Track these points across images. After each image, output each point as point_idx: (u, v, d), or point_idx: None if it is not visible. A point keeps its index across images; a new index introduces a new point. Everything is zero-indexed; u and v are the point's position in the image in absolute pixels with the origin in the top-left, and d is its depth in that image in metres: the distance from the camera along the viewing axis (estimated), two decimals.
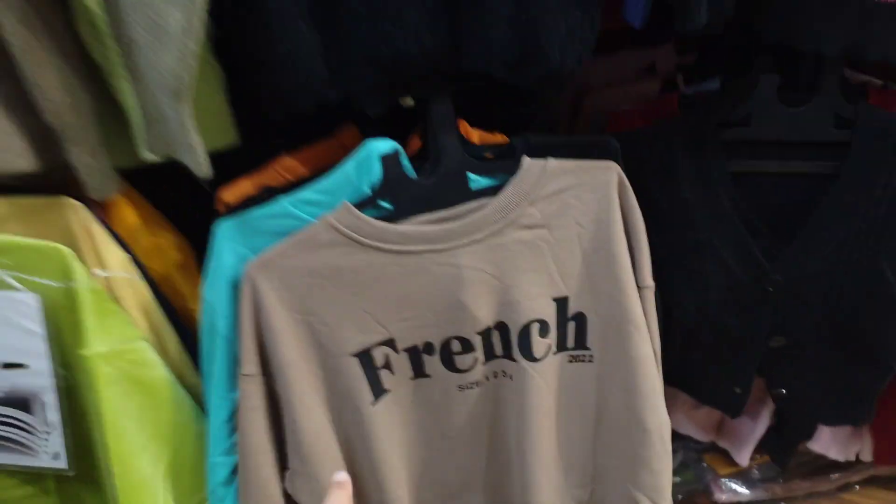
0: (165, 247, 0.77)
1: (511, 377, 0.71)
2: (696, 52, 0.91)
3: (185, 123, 0.56)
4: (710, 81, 0.84)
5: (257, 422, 0.64)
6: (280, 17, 0.56)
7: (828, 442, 1.00)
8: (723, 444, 1.08)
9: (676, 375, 0.93)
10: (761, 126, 0.76)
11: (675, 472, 1.17)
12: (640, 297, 0.71)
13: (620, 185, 0.68)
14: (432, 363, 0.68)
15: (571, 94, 0.89)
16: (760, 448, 1.05)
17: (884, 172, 0.74)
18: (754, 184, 0.80)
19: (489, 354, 0.70)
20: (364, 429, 0.66)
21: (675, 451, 1.15)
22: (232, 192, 0.69)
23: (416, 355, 0.67)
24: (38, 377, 0.65)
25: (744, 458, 1.05)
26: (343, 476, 0.52)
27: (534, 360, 0.70)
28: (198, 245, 0.74)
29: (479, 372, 0.71)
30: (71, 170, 0.60)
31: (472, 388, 0.71)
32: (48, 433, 0.67)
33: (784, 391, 0.90)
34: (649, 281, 0.72)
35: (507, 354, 0.70)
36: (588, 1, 0.59)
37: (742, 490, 1.13)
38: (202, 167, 0.59)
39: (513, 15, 0.59)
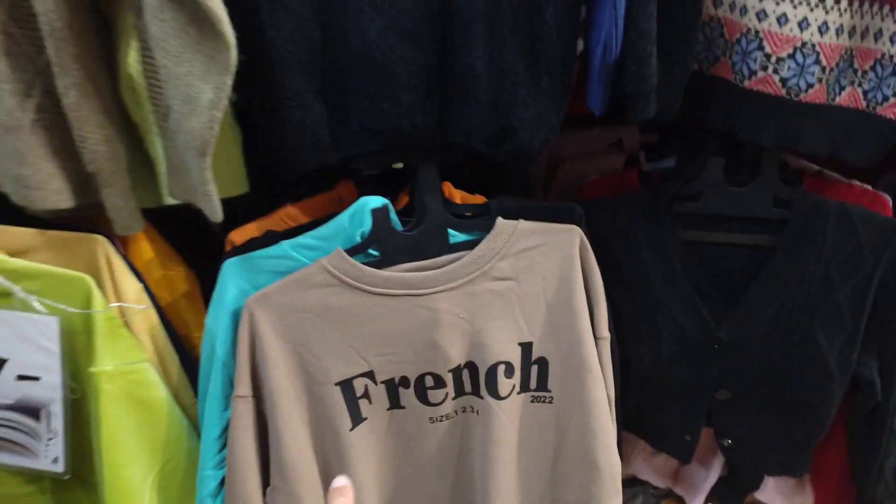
0: (175, 279, 0.85)
1: (478, 412, 0.79)
2: (658, 132, 1.02)
3: (205, 175, 0.65)
4: (668, 160, 0.95)
5: (246, 440, 0.72)
6: (295, 94, 0.66)
7: (773, 492, 1.07)
8: (678, 490, 1.16)
9: (634, 422, 1.02)
10: (709, 202, 0.86)
11: None
12: (598, 347, 0.80)
13: (582, 246, 0.77)
14: (407, 396, 0.76)
15: (547, 163, 1.00)
16: (713, 496, 1.13)
17: (816, 248, 0.84)
18: (704, 252, 0.89)
19: (459, 391, 0.78)
20: (342, 452, 0.73)
21: (634, 496, 1.24)
22: (240, 234, 0.78)
23: (392, 388, 0.75)
24: (49, 389, 0.72)
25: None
26: (343, 481, 0.49)
27: (499, 398, 0.78)
28: (205, 278, 0.83)
29: (449, 406, 0.79)
30: (101, 208, 0.69)
31: (442, 420, 0.79)
32: (50, 439, 0.74)
33: (729, 442, 0.98)
34: (605, 333, 0.80)
35: (475, 392, 0.78)
36: (555, 93, 0.69)
37: None
38: (215, 213, 0.68)
39: (491, 101, 0.69)
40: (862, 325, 0.85)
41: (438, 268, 0.74)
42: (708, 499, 1.13)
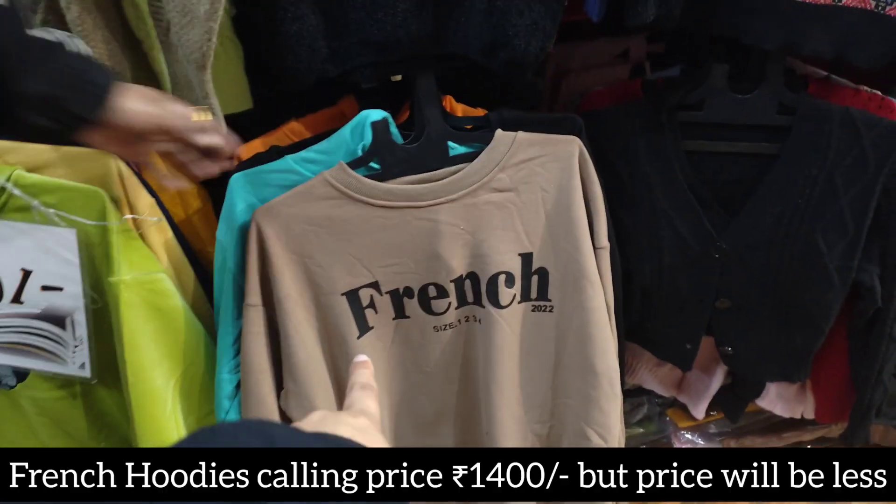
0: (188, 196, 0.88)
1: (480, 321, 0.82)
2: (665, 42, 1.01)
3: (207, 88, 0.67)
4: (673, 69, 0.93)
5: (258, 345, 0.76)
6: (289, 4, 0.66)
7: (773, 399, 1.11)
8: (682, 399, 1.20)
9: (637, 332, 1.04)
10: (712, 110, 0.86)
11: (639, 424, 1.29)
12: (597, 256, 0.81)
13: (581, 157, 0.78)
14: (411, 306, 0.79)
15: (552, 76, 0.99)
16: (716, 404, 1.16)
17: (820, 154, 0.84)
18: (707, 162, 0.90)
19: (461, 300, 0.81)
20: (350, 359, 0.77)
21: (639, 405, 1.28)
22: (246, 150, 0.80)
23: (397, 298, 0.78)
24: (72, 299, 0.77)
25: (700, 412, 1.16)
26: (363, 357, 0.51)
27: (500, 306, 0.81)
28: (214, 194, 0.86)
29: (452, 315, 0.82)
30: None
31: (445, 329, 0.82)
32: (77, 346, 0.79)
33: (730, 349, 1.01)
34: (605, 242, 0.82)
35: (477, 301, 0.81)
36: (549, 6, 0.69)
37: (699, 442, 1.25)
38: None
39: (486, 9, 0.69)
40: (864, 232, 0.85)
41: (438, 180, 0.76)
42: (711, 407, 1.16)
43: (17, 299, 0.77)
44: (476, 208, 0.76)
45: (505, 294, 0.81)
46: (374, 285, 0.78)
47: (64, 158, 0.75)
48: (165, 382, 0.81)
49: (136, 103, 0.60)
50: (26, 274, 0.76)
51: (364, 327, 0.79)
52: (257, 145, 0.80)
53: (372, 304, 0.79)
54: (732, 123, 0.86)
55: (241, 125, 0.79)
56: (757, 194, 0.88)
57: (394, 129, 0.76)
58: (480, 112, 0.85)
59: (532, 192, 0.78)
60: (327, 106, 0.85)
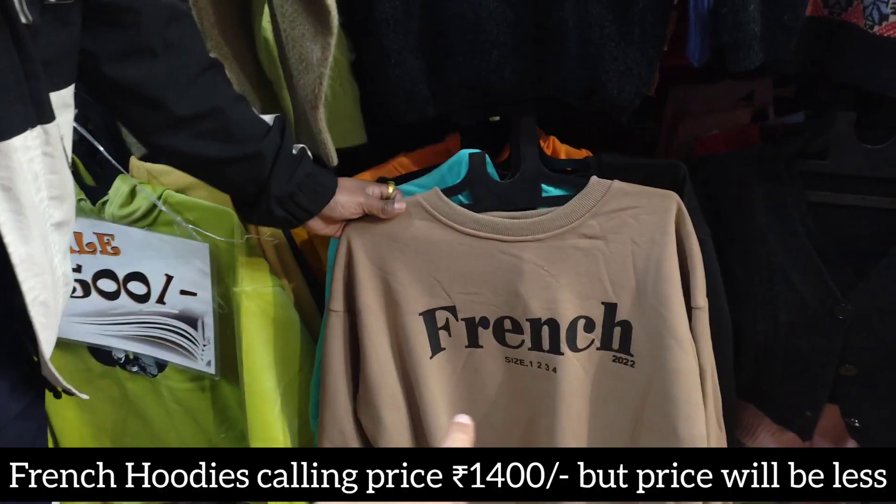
0: None
1: (555, 370, 0.80)
2: (795, 85, 0.95)
3: (319, 126, 0.75)
4: (797, 115, 0.88)
5: (337, 349, 0.81)
6: (393, 51, 0.72)
7: None
8: None
9: (750, 393, 0.98)
10: (837, 160, 0.80)
11: None
12: (693, 317, 0.77)
13: (679, 212, 0.75)
14: (485, 336, 0.81)
15: (671, 117, 0.97)
16: None
17: None
18: (831, 215, 0.83)
19: (536, 344, 0.80)
20: (420, 377, 0.80)
21: None
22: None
23: (472, 326, 0.80)
24: (203, 303, 0.88)
25: None
26: (465, 419, 0.47)
27: (577, 350, 0.80)
28: None
29: (525, 353, 0.82)
30: None
31: (518, 363, 0.82)
32: (205, 346, 0.90)
33: (856, 422, 0.91)
34: (701, 302, 0.77)
35: (554, 349, 0.80)
36: (646, 46, 0.69)
37: None
38: (331, 158, 0.78)
39: (579, 55, 0.70)
40: None
41: (528, 218, 0.77)
42: None
43: (160, 300, 0.90)
44: (562, 251, 0.77)
45: (582, 338, 0.80)
46: (451, 309, 0.80)
47: (204, 184, 0.87)
48: (276, 385, 0.89)
49: (346, 196, 0.76)
50: (169, 279, 0.88)
51: (437, 347, 0.82)
52: (367, 177, 0.87)
53: (447, 327, 0.81)
54: (861, 175, 0.79)
55: (356, 158, 0.87)
56: (889, 254, 0.80)
57: (490, 166, 0.80)
58: (583, 154, 0.86)
59: (622, 244, 0.76)
60: (434, 142, 0.90)
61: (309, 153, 0.75)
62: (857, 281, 0.82)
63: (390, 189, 0.78)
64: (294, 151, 0.73)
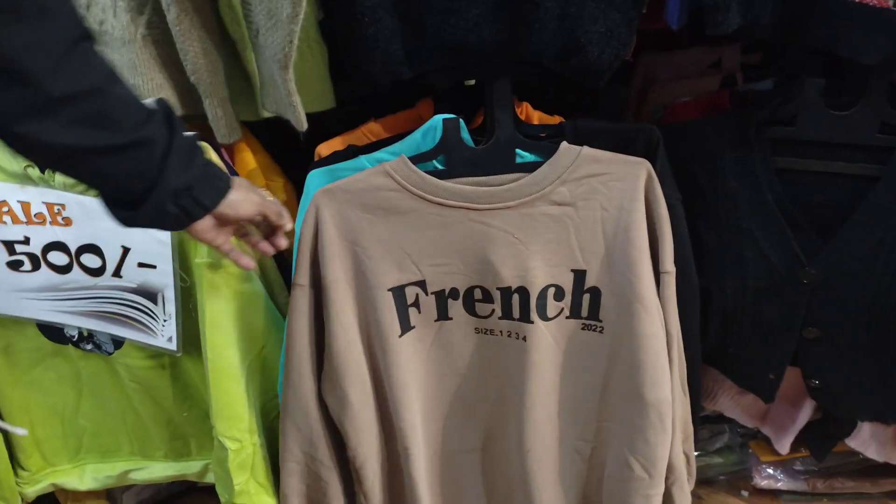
0: (275, 189, 0.94)
1: (524, 339, 0.80)
2: (762, 52, 0.96)
3: (289, 87, 0.71)
4: (766, 82, 0.89)
5: (301, 326, 0.79)
6: (367, 8, 0.69)
7: (866, 440, 1.02)
8: (766, 431, 1.13)
9: (715, 357, 1.00)
10: (805, 127, 0.81)
11: (718, 454, 1.23)
12: (662, 281, 0.78)
13: (648, 179, 0.76)
14: (455, 307, 0.80)
15: (640, 85, 0.97)
16: (802, 440, 1.09)
17: None
18: (798, 181, 0.84)
19: (506, 313, 0.80)
20: (389, 358, 0.79)
21: (720, 434, 1.23)
22: (326, 148, 0.85)
23: (442, 299, 0.79)
24: (164, 276, 0.84)
25: (784, 446, 1.09)
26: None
27: (547, 318, 0.79)
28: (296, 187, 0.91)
29: (495, 323, 0.81)
30: (205, 118, 0.78)
31: (488, 333, 0.82)
32: (165, 321, 0.86)
33: (817, 382, 0.94)
34: (669, 267, 0.78)
35: (524, 317, 0.79)
36: (627, 6, 0.68)
37: (781, 478, 1.17)
38: (300, 123, 0.75)
39: (559, 15, 0.69)
40: None
41: (499, 185, 0.76)
42: (797, 442, 1.09)
43: (116, 273, 0.85)
44: (532, 218, 0.76)
45: (552, 306, 0.79)
46: (421, 284, 0.79)
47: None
48: (240, 361, 0.86)
49: (242, 193, 0.69)
50: (125, 251, 0.83)
51: (406, 326, 0.80)
52: (337, 143, 0.84)
53: (416, 304, 0.80)
54: (828, 141, 0.81)
55: (324, 123, 0.83)
56: (854, 218, 0.82)
57: (464, 131, 0.78)
58: (556, 120, 0.85)
59: (591, 210, 0.76)
60: (405, 108, 0.87)
61: (200, 142, 0.66)
62: (822, 245, 0.85)
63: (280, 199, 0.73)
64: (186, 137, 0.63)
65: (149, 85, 0.73)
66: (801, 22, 0.74)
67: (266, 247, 0.76)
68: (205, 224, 0.66)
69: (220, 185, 0.66)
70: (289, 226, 0.75)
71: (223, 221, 0.68)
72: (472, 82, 0.78)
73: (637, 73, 0.96)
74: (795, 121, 0.82)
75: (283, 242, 0.77)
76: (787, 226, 0.85)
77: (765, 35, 0.73)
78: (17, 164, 0.81)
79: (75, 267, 0.86)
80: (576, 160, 0.75)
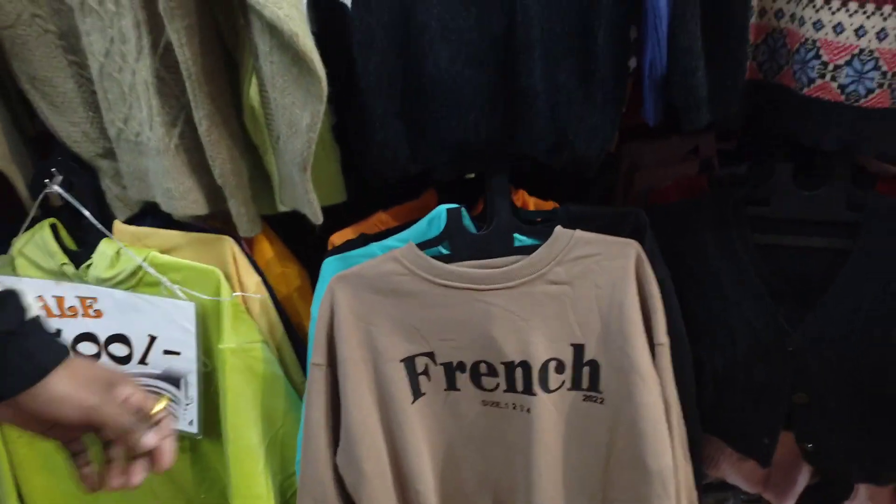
0: (290, 275, 1.00)
1: (528, 411, 0.85)
2: (736, 139, 1.05)
3: (307, 186, 0.79)
4: (741, 166, 0.97)
5: (318, 402, 0.83)
6: (379, 115, 0.78)
7: (863, 502, 1.05)
8: (767, 496, 1.15)
9: (711, 423, 1.04)
10: (779, 206, 0.88)
11: None
12: (656, 352, 0.84)
13: (638, 258, 0.83)
14: (462, 379, 0.85)
15: (627, 170, 1.06)
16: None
17: (892, 250, 0.84)
18: (776, 255, 0.91)
19: (510, 386, 0.85)
20: (403, 424, 0.83)
21: (724, 500, 1.24)
22: (339, 237, 0.91)
23: (450, 371, 0.84)
24: (187, 363, 0.89)
25: None
26: None
27: (549, 391, 0.84)
28: (312, 274, 0.97)
29: (500, 396, 0.86)
30: (229, 214, 0.85)
31: (494, 405, 0.86)
32: (188, 405, 0.90)
33: (810, 446, 0.98)
34: (663, 339, 0.84)
35: (527, 390, 0.84)
36: (608, 108, 0.76)
37: None
38: (316, 217, 0.82)
39: (549, 116, 0.77)
40: None
41: (499, 267, 0.82)
42: None
43: (143, 360, 0.90)
44: (531, 297, 0.82)
45: (554, 379, 0.84)
46: (430, 355, 0.84)
47: (189, 242, 0.89)
48: (260, 441, 0.90)
49: (71, 387, 0.51)
50: (152, 339, 0.89)
51: (417, 392, 0.85)
52: (349, 233, 0.91)
53: (426, 372, 0.85)
54: (800, 218, 0.88)
55: (336, 212, 0.91)
56: (831, 289, 0.88)
57: (466, 219, 0.85)
58: (550, 205, 0.92)
59: (586, 288, 0.82)
60: (412, 198, 0.95)
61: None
62: (804, 315, 0.90)
63: (159, 405, 0.55)
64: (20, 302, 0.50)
65: (180, 188, 0.80)
66: (767, 115, 0.82)
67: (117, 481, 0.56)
68: (8, 412, 0.49)
69: (26, 369, 0.48)
70: (148, 445, 0.56)
71: (32, 416, 0.50)
72: (472, 176, 0.85)
73: (623, 160, 1.05)
74: (770, 200, 0.89)
75: (136, 478, 0.56)
76: (769, 297, 0.91)
77: (734, 127, 0.82)
78: (53, 261, 0.88)
79: (104, 356, 0.91)
80: (570, 242, 0.82)
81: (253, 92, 0.81)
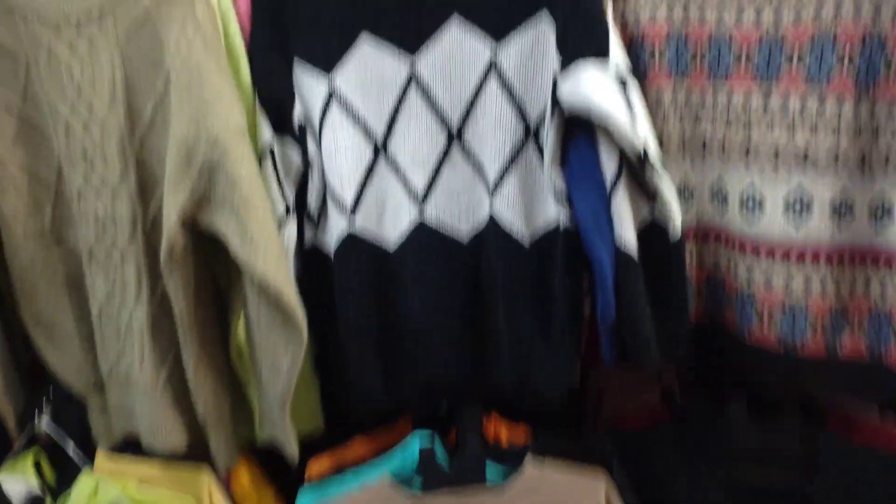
0: (267, 501, 1.01)
1: None
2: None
3: (285, 423, 0.83)
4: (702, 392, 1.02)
5: None
6: (354, 355, 0.85)
7: None
8: None
9: None
10: (736, 439, 0.92)
11: None
12: None
13: (607, 487, 0.86)
14: None
15: (595, 396, 1.10)
16: None
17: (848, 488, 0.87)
18: (741, 485, 0.93)
19: None
20: None
21: None
22: (316, 464, 0.94)
23: None
24: None
25: None
26: None
27: None
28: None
29: None
30: (207, 447, 0.88)
31: None
32: None
33: None
34: None
35: None
36: (565, 352, 0.83)
37: None
38: (293, 454, 0.85)
39: (513, 359, 0.84)
40: None
41: (471, 497, 0.85)
42: None
43: None
44: None
45: None
46: None
47: (168, 472, 0.91)
48: None
49: None
50: None
51: None
52: (325, 461, 0.93)
53: None
54: (760, 455, 0.92)
55: (314, 442, 0.94)
56: None
57: (438, 449, 0.88)
58: (520, 430, 0.96)
59: None
60: (391, 420, 0.99)
61: None
62: None
63: None
64: None
65: (164, 425, 0.84)
66: (714, 356, 0.89)
67: None
68: None
69: None
70: None
71: None
72: (444, 411, 0.90)
73: (591, 387, 1.10)
74: (729, 433, 0.93)
75: None
76: None
77: (684, 366, 0.88)
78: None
79: None
80: (540, 474, 0.85)
81: (241, 329, 0.88)
